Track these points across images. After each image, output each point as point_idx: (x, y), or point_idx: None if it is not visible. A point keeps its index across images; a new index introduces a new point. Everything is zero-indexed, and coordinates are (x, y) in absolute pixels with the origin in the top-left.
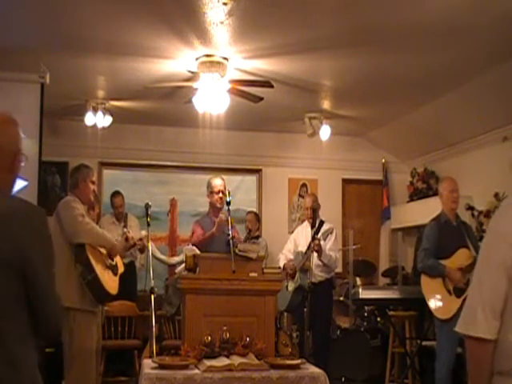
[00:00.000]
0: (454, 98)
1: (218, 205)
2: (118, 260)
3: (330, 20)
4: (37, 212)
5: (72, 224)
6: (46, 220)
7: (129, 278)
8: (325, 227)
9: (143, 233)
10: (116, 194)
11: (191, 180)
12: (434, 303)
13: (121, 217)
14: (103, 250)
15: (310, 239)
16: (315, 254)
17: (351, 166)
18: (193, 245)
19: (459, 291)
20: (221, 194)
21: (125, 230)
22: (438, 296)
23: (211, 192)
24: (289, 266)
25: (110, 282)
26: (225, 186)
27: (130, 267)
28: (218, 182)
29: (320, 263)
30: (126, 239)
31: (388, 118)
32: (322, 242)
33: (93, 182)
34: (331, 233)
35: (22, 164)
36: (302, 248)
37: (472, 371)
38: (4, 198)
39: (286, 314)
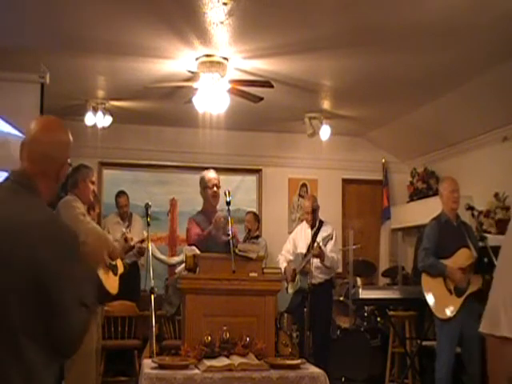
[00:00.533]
0: (453, 98)
1: (212, 200)
2: (117, 260)
3: (330, 20)
4: (70, 231)
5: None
6: (75, 242)
7: (132, 278)
8: (325, 228)
9: (144, 233)
10: (120, 193)
11: (191, 180)
12: (434, 303)
13: (125, 216)
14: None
15: (309, 240)
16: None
17: (351, 165)
18: (190, 244)
19: (460, 291)
20: (215, 188)
21: (123, 230)
22: (439, 295)
23: (205, 187)
24: (289, 272)
25: (110, 282)
26: (219, 180)
27: (134, 267)
28: (212, 175)
29: (320, 265)
30: (125, 240)
31: (388, 118)
32: (322, 248)
33: (92, 182)
34: (331, 238)
35: (68, 171)
36: (301, 249)
37: (492, 372)
38: (38, 208)
39: (285, 314)
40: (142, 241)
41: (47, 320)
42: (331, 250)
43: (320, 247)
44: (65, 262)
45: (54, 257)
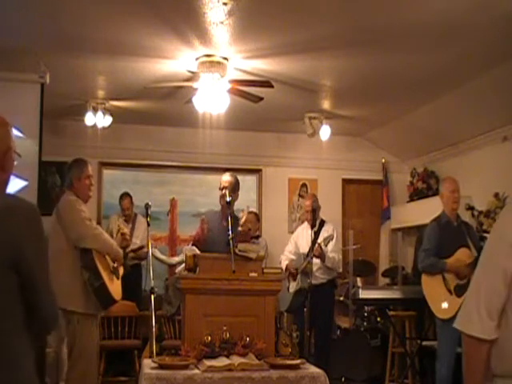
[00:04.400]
0: (454, 98)
1: (220, 201)
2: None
3: (330, 20)
4: (30, 209)
5: (79, 228)
6: (39, 217)
7: (134, 278)
8: (326, 228)
9: (150, 244)
10: (124, 195)
11: (191, 180)
12: (434, 303)
13: (129, 219)
14: None
15: (310, 240)
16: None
17: (351, 165)
18: (193, 244)
19: (460, 290)
20: (223, 191)
21: (119, 226)
22: (439, 296)
23: (219, 188)
24: (291, 266)
25: (115, 288)
26: (231, 183)
27: (136, 267)
28: (222, 178)
29: (321, 265)
30: (122, 235)
31: (388, 118)
32: (323, 248)
33: (88, 177)
34: (332, 239)
35: (15, 162)
36: (303, 249)
37: (467, 369)
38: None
39: (286, 313)
40: (141, 248)
41: (28, 302)
42: (332, 250)
43: (321, 248)
44: (37, 242)
45: (27, 239)
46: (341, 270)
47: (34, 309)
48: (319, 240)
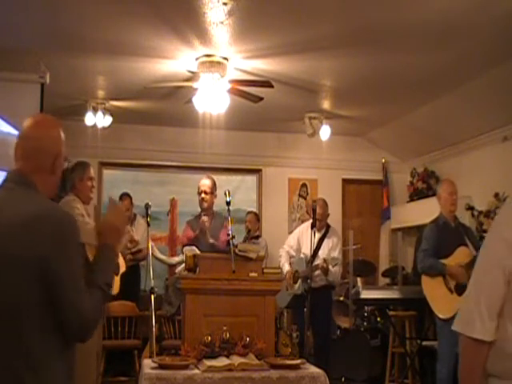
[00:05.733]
0: (453, 98)
1: (200, 205)
2: (119, 259)
3: (330, 20)
4: (62, 219)
5: None
6: (76, 227)
7: (132, 278)
8: (330, 235)
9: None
10: (124, 196)
11: (191, 180)
12: (435, 303)
13: (128, 220)
14: None
15: (313, 241)
16: (317, 259)
17: (351, 165)
18: (185, 245)
19: (460, 289)
20: (203, 195)
21: (133, 231)
22: (439, 295)
23: (197, 192)
24: (290, 277)
25: None
26: (211, 187)
27: (134, 267)
28: (202, 182)
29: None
30: (133, 240)
31: (388, 117)
32: (330, 267)
33: (90, 178)
34: (337, 264)
35: (65, 165)
36: (306, 249)
37: (464, 371)
38: (37, 201)
39: (285, 314)
40: (139, 251)
41: (56, 307)
42: (334, 258)
43: (327, 265)
44: (66, 251)
45: (57, 246)
46: (339, 279)
47: (65, 324)
48: (325, 249)
